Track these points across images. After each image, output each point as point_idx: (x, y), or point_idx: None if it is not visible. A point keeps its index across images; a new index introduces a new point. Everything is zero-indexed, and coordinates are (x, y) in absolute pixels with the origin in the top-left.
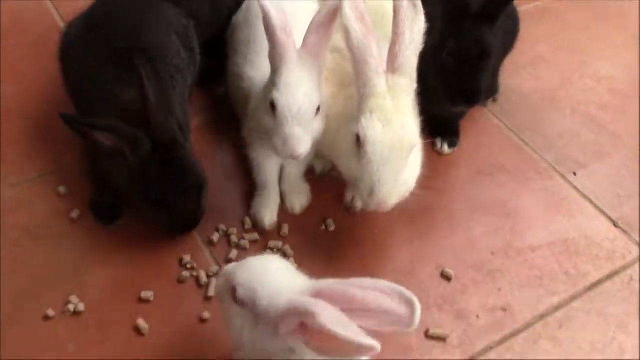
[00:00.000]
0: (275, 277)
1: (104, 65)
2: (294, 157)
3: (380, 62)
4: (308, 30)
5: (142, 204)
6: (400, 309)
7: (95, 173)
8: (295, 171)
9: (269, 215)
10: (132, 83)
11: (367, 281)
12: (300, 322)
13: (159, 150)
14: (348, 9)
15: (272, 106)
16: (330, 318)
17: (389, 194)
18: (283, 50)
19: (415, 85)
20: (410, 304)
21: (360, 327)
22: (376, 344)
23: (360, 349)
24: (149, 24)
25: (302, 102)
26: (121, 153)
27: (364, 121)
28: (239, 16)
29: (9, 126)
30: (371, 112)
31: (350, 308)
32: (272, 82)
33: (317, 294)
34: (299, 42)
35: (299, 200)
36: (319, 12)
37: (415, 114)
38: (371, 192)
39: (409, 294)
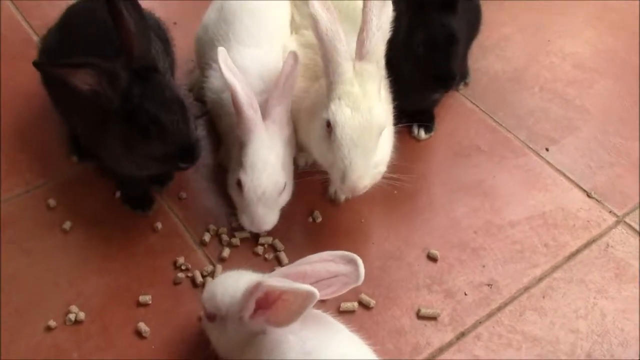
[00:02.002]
0: (232, 280)
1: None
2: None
3: (348, 49)
4: (270, 103)
5: (137, 145)
6: (347, 269)
7: (112, 168)
8: None
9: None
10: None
11: (313, 257)
12: (257, 303)
13: (139, 76)
14: (314, 2)
15: (239, 184)
16: (275, 280)
17: (361, 177)
18: (251, 125)
19: (382, 72)
20: (353, 262)
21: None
22: (312, 288)
23: (303, 298)
24: None
25: (266, 185)
26: (100, 95)
27: (333, 107)
28: (201, 33)
29: None
30: (339, 98)
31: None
32: (240, 159)
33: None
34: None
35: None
36: (277, 84)
37: (387, 100)
38: (343, 176)
39: (349, 254)
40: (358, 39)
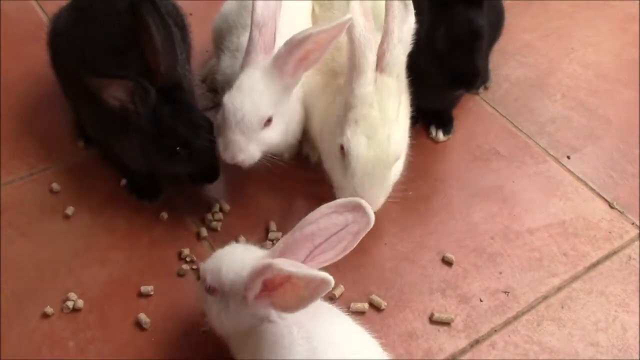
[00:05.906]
0: (237, 255)
1: (95, 47)
2: (235, 163)
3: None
4: (284, 44)
5: (162, 160)
6: (354, 216)
7: (118, 161)
8: None
9: None
10: (122, 62)
11: (314, 214)
12: (264, 283)
13: (165, 95)
14: (355, 4)
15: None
16: (285, 263)
17: (374, 202)
18: (251, 47)
19: (403, 86)
20: (358, 206)
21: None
22: (328, 275)
23: (316, 284)
24: None
25: (247, 110)
26: (128, 111)
27: (348, 133)
28: (220, 22)
29: None
30: (356, 122)
31: (316, 245)
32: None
33: (281, 251)
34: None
35: None
36: (299, 32)
37: (406, 116)
38: None
39: (351, 199)
40: (379, 50)
